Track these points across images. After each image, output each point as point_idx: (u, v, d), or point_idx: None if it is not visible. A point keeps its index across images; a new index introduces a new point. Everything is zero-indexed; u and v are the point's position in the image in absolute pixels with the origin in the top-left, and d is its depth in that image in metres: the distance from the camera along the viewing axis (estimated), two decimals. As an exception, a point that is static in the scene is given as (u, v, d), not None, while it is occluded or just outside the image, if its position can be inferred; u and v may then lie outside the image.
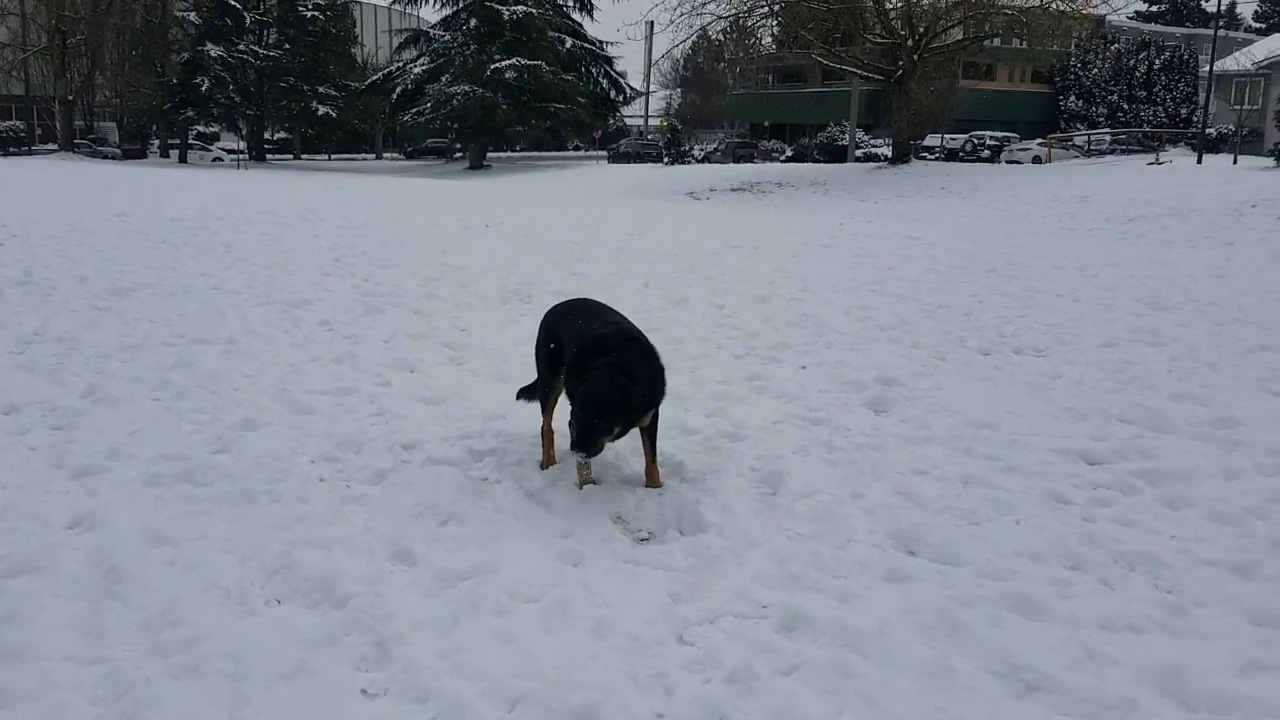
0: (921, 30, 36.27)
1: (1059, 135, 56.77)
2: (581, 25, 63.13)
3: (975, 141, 54.89)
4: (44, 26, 62.05)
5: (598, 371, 4.60)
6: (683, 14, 36.51)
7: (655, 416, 4.89)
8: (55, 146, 61.73)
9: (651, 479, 4.89)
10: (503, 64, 53.14)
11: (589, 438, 4.50)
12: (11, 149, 59.84)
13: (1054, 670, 3.24)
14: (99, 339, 7.90)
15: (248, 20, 59.15)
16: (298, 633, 3.44)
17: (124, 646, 3.34)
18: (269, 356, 7.51)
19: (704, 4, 36.58)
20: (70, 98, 61.98)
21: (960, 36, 39.36)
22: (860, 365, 7.45)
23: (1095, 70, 65.23)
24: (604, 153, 69.04)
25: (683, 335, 8.63)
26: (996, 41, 44.71)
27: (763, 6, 37.98)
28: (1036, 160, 47.28)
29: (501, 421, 5.88)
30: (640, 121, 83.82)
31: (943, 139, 57.04)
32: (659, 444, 4.98)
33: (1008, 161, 47.53)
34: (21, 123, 65.27)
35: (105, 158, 56.08)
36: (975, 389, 6.89)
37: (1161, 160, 39.78)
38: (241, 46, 58.29)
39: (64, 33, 59.56)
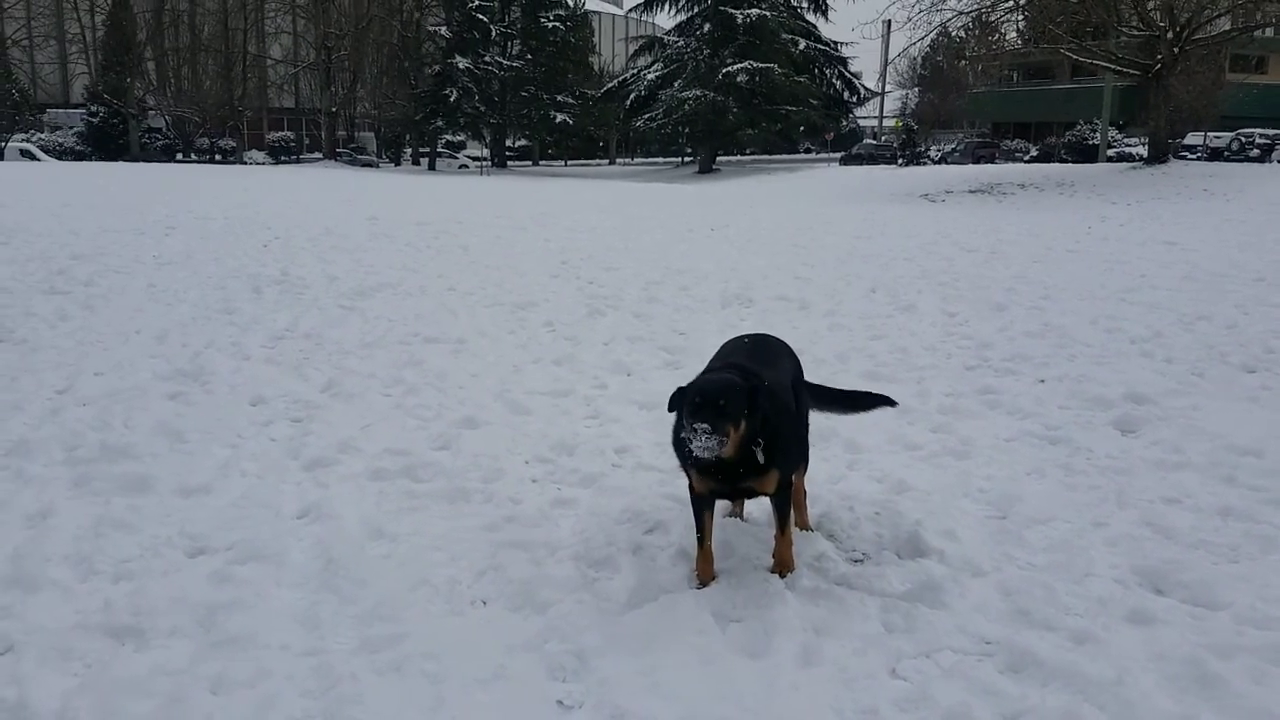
0: (1184, 21, 33.57)
1: (1341, 132, 51.41)
2: (815, 26, 62.33)
3: (1243, 140, 50.52)
4: (313, 44, 67.39)
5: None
6: (921, 11, 35.06)
7: (783, 484, 3.91)
8: (320, 155, 66.91)
9: (780, 556, 3.94)
10: (734, 68, 53.19)
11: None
12: (283, 157, 65.40)
13: (1330, 742, 2.81)
14: (342, 336, 8.33)
15: (493, 33, 61.80)
16: (499, 637, 3.42)
17: (336, 639, 3.41)
18: (494, 356, 7.70)
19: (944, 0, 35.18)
20: (334, 109, 66.96)
21: (1228, 27, 36.19)
22: (1106, 380, 6.89)
23: (1389, 60, 58.85)
24: (836, 155, 67.90)
25: (909, 344, 8.25)
26: (1269, 32, 40.95)
27: (1007, 1, 36.22)
28: (1315, 160, 43.05)
29: (715, 429, 5.76)
30: (874, 122, 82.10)
31: (1205, 137, 52.93)
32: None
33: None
34: (291, 133, 71.27)
35: (364, 165, 60.09)
36: (1238, 410, 6.21)
37: None
38: (487, 58, 60.93)
39: (329, 49, 64.41)
